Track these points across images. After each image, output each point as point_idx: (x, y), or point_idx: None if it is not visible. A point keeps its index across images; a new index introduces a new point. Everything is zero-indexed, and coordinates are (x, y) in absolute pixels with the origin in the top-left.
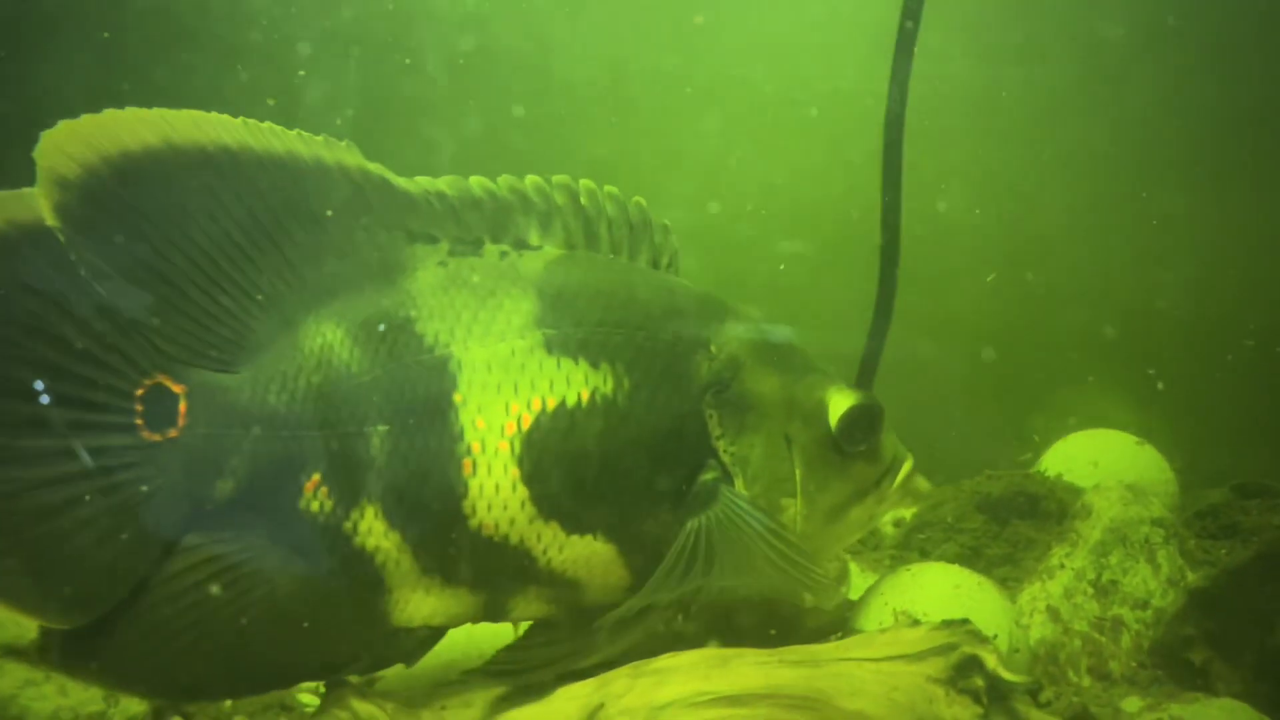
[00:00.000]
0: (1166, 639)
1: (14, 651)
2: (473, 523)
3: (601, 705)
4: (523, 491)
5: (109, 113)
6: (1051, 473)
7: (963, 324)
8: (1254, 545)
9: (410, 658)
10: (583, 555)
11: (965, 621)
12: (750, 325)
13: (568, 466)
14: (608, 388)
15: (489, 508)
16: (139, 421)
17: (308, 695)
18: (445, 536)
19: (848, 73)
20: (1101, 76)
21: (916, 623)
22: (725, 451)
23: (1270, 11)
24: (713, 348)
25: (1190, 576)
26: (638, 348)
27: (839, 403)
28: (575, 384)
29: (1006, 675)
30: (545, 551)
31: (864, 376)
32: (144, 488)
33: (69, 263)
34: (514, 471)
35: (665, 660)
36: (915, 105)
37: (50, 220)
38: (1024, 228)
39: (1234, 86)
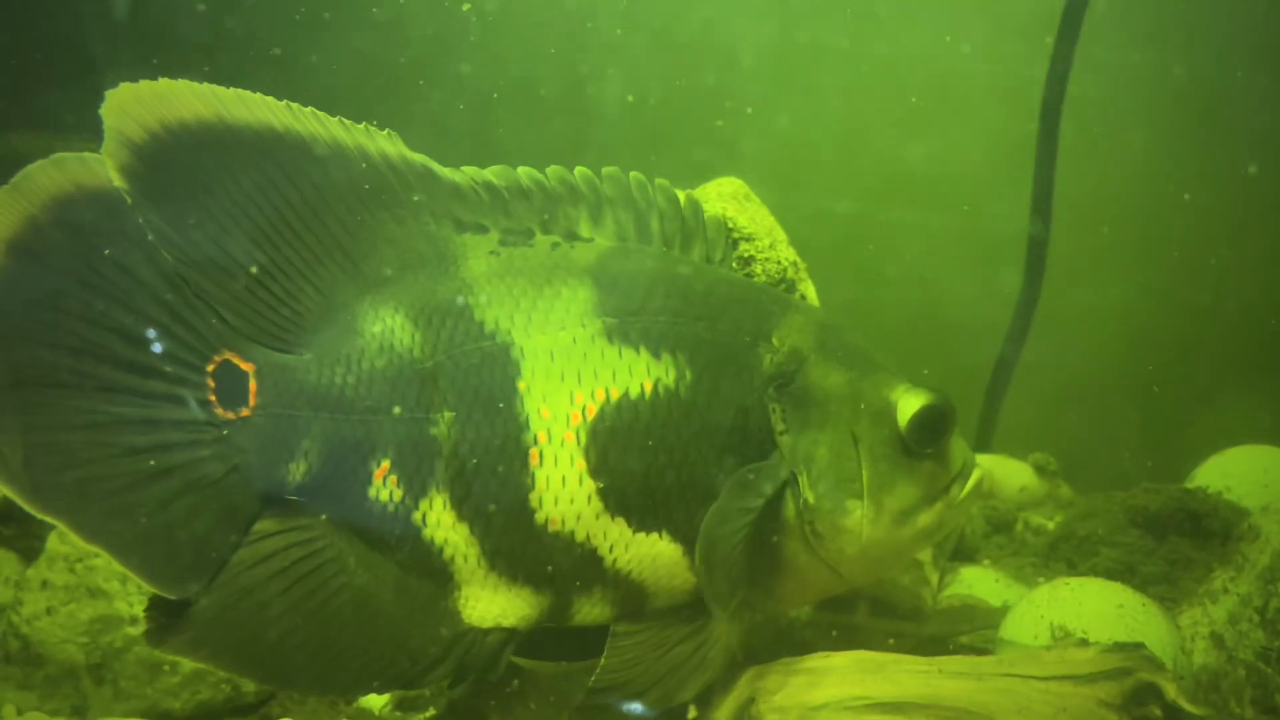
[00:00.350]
0: None
1: None
2: (539, 517)
3: (752, 700)
4: (590, 485)
5: (164, 81)
6: (1209, 489)
7: (1110, 327)
8: None
9: (492, 666)
10: (649, 555)
11: (1140, 646)
12: (813, 319)
13: (634, 460)
14: (670, 378)
15: (556, 501)
16: (213, 398)
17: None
18: (513, 530)
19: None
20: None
21: (1085, 642)
22: (790, 448)
23: None
24: (775, 340)
25: None
26: (698, 338)
27: (910, 402)
28: (638, 374)
29: (1187, 707)
30: (611, 550)
31: (1000, 374)
32: (223, 465)
33: (137, 227)
34: (580, 463)
35: (818, 660)
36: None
37: (117, 181)
38: (1188, 226)
39: None
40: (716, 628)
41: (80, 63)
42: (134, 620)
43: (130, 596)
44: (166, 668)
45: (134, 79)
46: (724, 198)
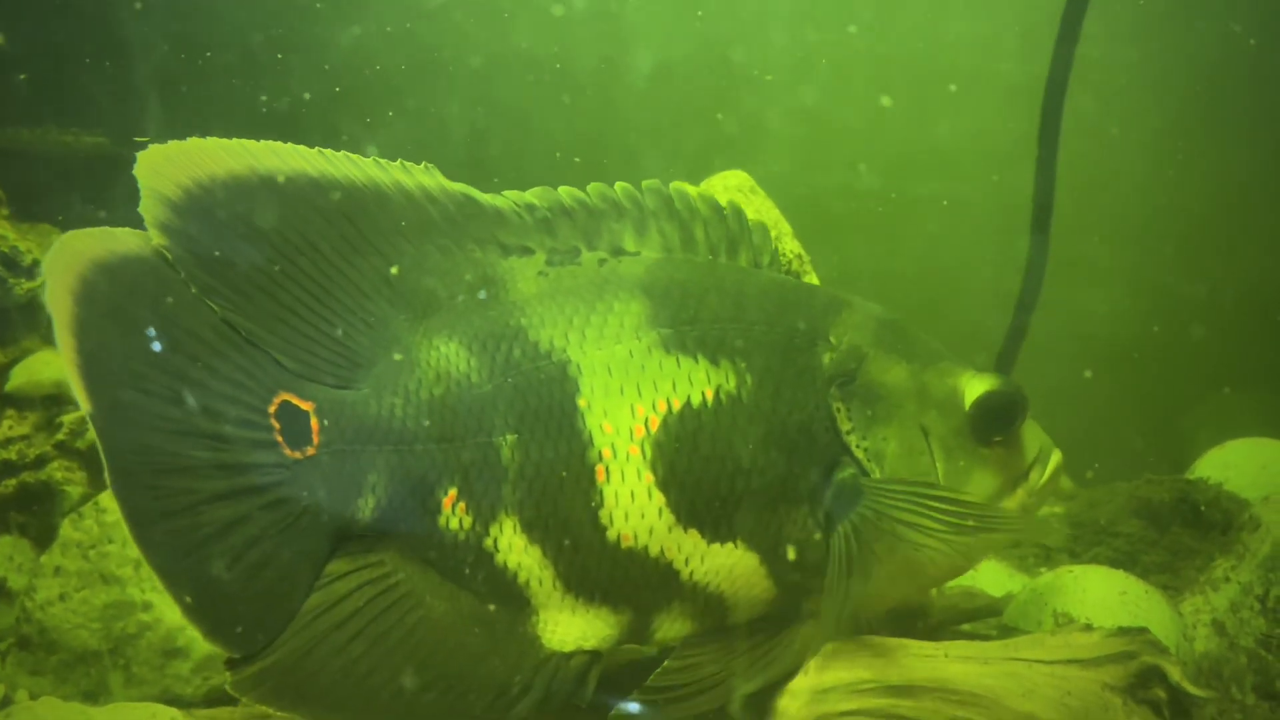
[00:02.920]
0: None
1: None
2: (611, 534)
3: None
4: (659, 498)
5: (194, 140)
6: (1210, 481)
7: (1110, 320)
8: None
9: (580, 691)
10: (725, 565)
11: (1144, 630)
12: (870, 314)
13: (702, 469)
14: (730, 385)
15: (626, 517)
16: (279, 439)
17: None
18: (586, 549)
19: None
20: None
21: (1089, 627)
22: (858, 446)
23: None
24: (832, 338)
25: None
26: (755, 342)
27: (975, 388)
28: (698, 382)
29: (1191, 689)
30: (687, 563)
31: (1003, 364)
32: (295, 507)
33: (180, 282)
34: (648, 477)
35: (827, 645)
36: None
37: (156, 238)
38: (1187, 221)
39: None
40: (801, 635)
41: (108, 56)
42: (146, 606)
43: (143, 583)
44: (179, 654)
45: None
46: (730, 190)
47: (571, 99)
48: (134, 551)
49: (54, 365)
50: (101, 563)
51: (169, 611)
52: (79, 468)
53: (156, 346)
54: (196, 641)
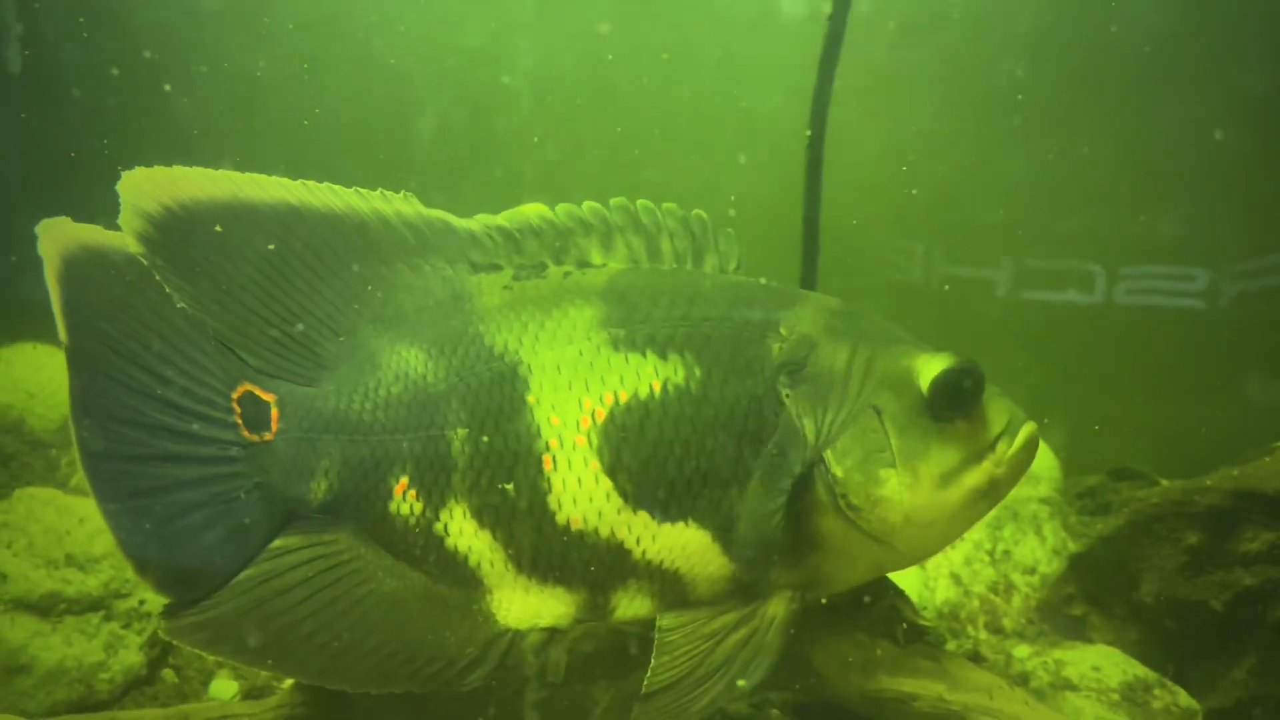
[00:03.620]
0: (1051, 598)
1: (24, 605)
2: (560, 517)
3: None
4: (606, 483)
5: (178, 167)
6: None
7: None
8: (1123, 516)
9: (549, 667)
10: (678, 544)
11: (891, 583)
12: (824, 306)
13: (649, 454)
14: (679, 377)
15: (574, 501)
16: (239, 421)
17: None
18: (536, 533)
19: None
20: None
21: None
22: (810, 428)
23: None
24: (783, 330)
25: (1071, 546)
26: (705, 337)
27: (930, 368)
28: (645, 376)
29: (920, 620)
30: (639, 542)
31: None
32: (247, 481)
33: (156, 283)
34: (594, 464)
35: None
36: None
37: (134, 246)
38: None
39: None
40: (769, 609)
41: None
42: None
43: None
44: (22, 671)
45: None
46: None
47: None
48: None
49: None
50: None
51: (10, 631)
52: None
53: (130, 315)
54: (38, 659)
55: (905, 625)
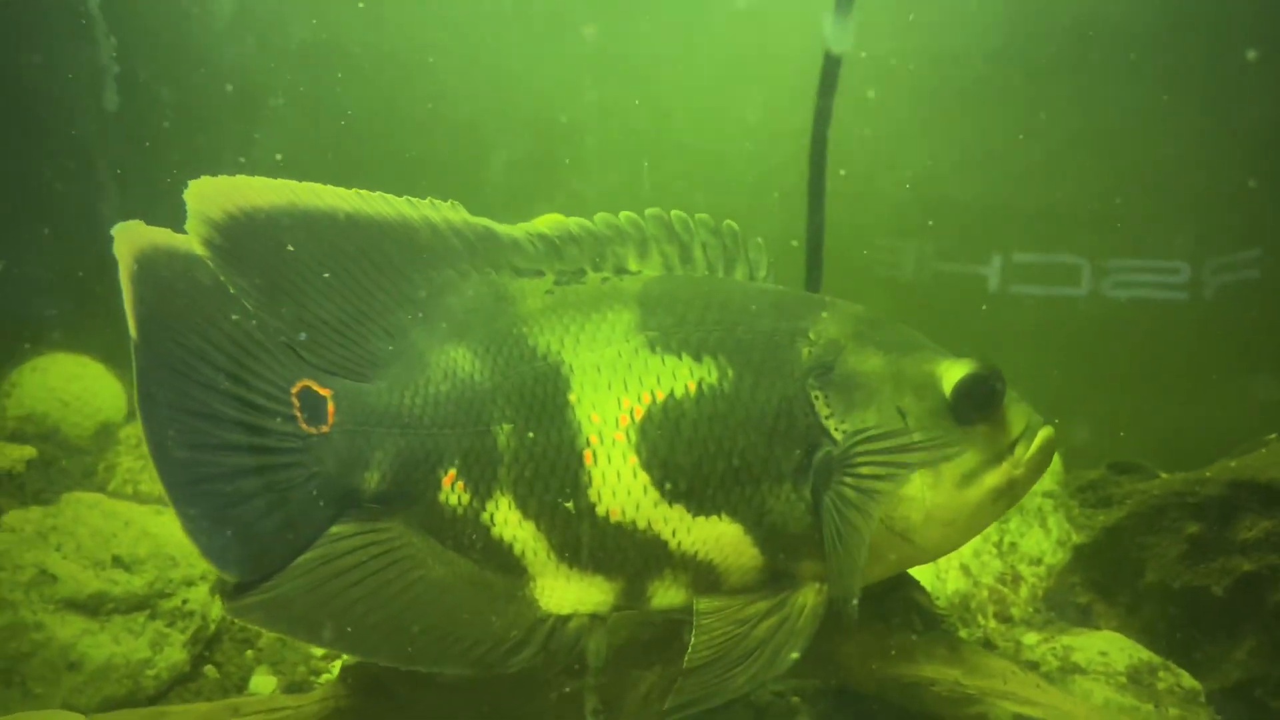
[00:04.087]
0: (1057, 587)
1: (74, 604)
2: (600, 509)
3: None
4: (644, 477)
5: (241, 176)
6: None
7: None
8: (1126, 508)
9: (591, 652)
10: (711, 536)
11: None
12: (850, 313)
13: (685, 451)
14: (713, 378)
15: (613, 494)
16: (298, 414)
17: None
18: (577, 523)
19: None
20: None
21: None
22: (837, 429)
23: None
24: (811, 334)
25: (1075, 537)
26: (737, 340)
27: (953, 372)
28: (681, 377)
29: (932, 608)
30: (674, 534)
31: None
32: (305, 471)
33: (221, 283)
34: (633, 459)
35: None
36: None
37: (200, 250)
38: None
39: None
40: (800, 598)
41: None
42: (38, 626)
43: (34, 605)
44: (73, 668)
45: None
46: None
47: None
48: (26, 576)
49: None
50: None
51: (61, 630)
52: None
53: (197, 313)
54: (88, 656)
55: (920, 615)
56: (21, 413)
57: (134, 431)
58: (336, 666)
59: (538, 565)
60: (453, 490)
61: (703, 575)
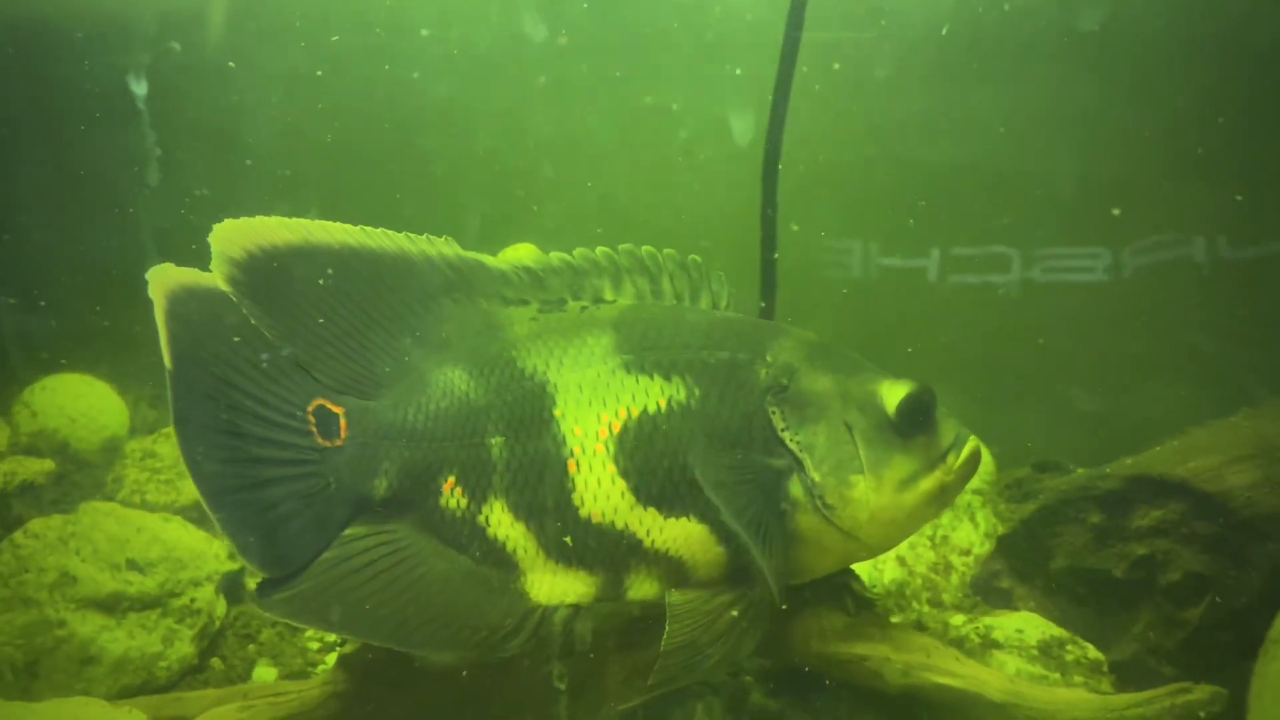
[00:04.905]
0: (982, 574)
1: (93, 603)
2: (583, 512)
3: None
4: (621, 484)
5: (259, 217)
6: None
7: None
8: (1039, 501)
9: (575, 638)
10: (681, 536)
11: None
12: (803, 339)
13: (657, 460)
14: (681, 396)
15: (594, 499)
16: (314, 430)
17: None
18: (562, 524)
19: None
20: None
21: None
22: (792, 441)
23: None
24: (769, 358)
25: (1000, 529)
26: (703, 362)
27: (895, 392)
28: (653, 395)
29: (866, 593)
30: (648, 534)
31: None
32: (322, 480)
33: (244, 315)
34: (611, 468)
35: None
36: None
37: (223, 286)
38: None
39: None
40: (759, 591)
41: None
42: (61, 624)
43: (58, 604)
44: (92, 661)
45: None
46: (521, 259)
47: None
48: (49, 578)
49: None
50: (20, 590)
51: (81, 626)
52: None
53: (223, 343)
54: (106, 650)
55: (854, 599)
56: (34, 429)
57: (139, 446)
58: (331, 659)
59: (528, 561)
60: (452, 495)
61: (673, 570)
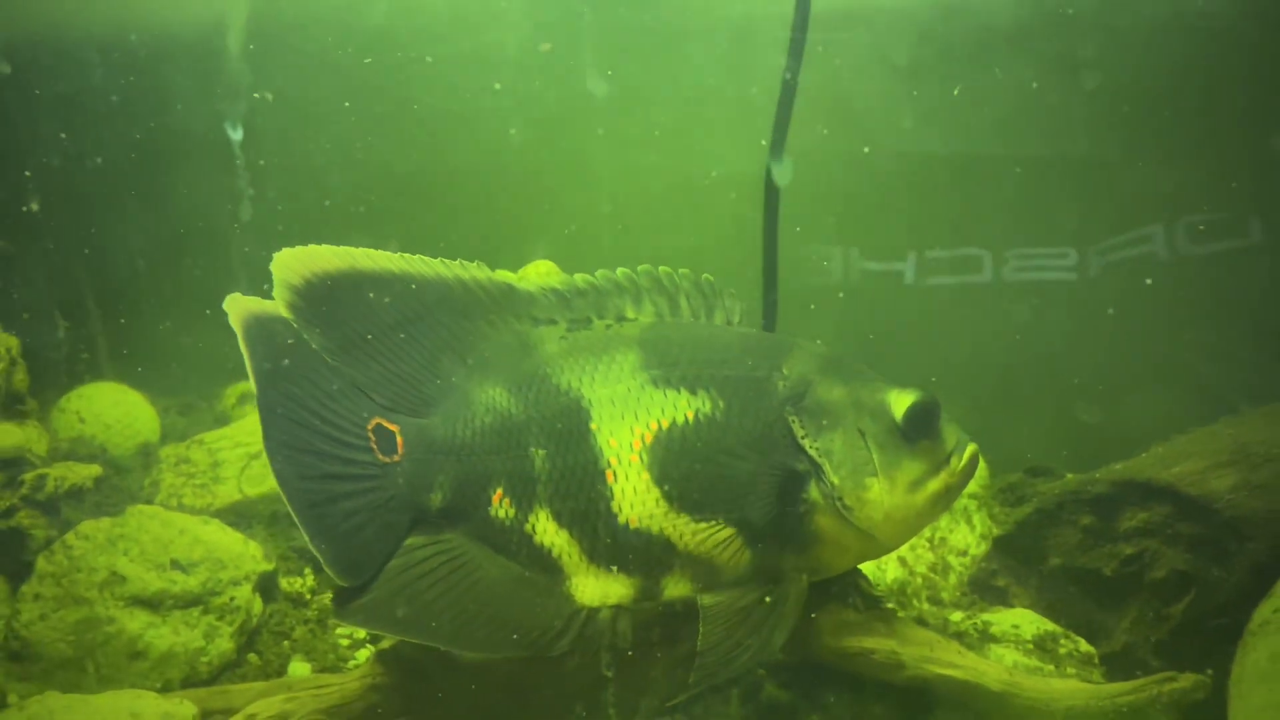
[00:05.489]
0: (979, 574)
1: (140, 601)
2: (621, 519)
3: None
4: (655, 491)
5: (312, 246)
6: None
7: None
8: (1033, 504)
9: (619, 637)
10: (710, 539)
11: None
12: (815, 352)
13: (687, 468)
14: (706, 408)
15: (631, 506)
16: (374, 447)
17: None
18: (603, 531)
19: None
20: None
21: None
22: (811, 448)
23: None
24: (785, 370)
25: (995, 531)
26: (725, 376)
27: (902, 400)
28: (681, 408)
29: (872, 591)
30: (681, 538)
31: None
32: (385, 494)
33: (304, 340)
34: (646, 476)
35: None
36: None
37: (284, 313)
38: None
39: None
40: (788, 589)
41: None
42: (110, 620)
43: (107, 602)
44: (139, 656)
45: None
46: (541, 276)
47: None
48: (99, 577)
49: (12, 434)
50: (72, 588)
51: (129, 623)
52: (40, 515)
53: (293, 366)
54: (153, 645)
55: (862, 597)
56: (72, 435)
57: (173, 451)
58: (361, 654)
59: (572, 566)
60: (500, 506)
61: (705, 571)
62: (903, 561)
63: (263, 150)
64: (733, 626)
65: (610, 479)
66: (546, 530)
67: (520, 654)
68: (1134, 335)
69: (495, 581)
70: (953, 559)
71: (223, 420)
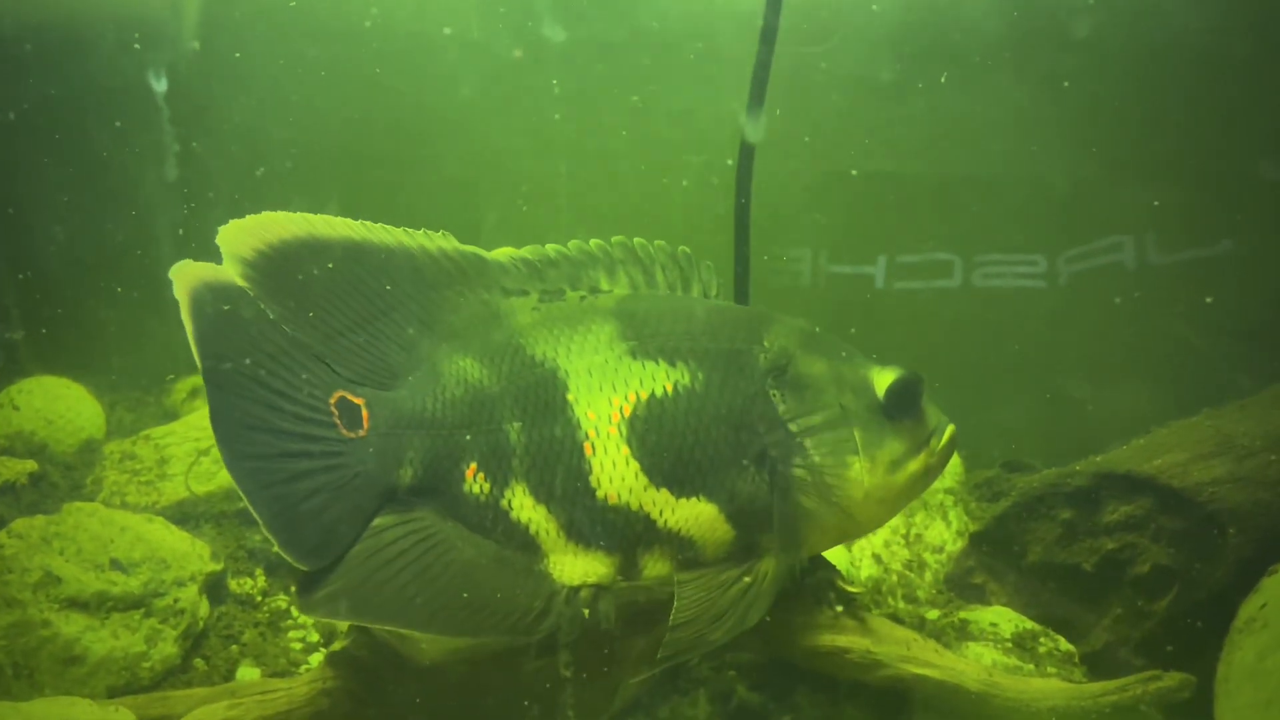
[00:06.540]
0: (955, 571)
1: (77, 603)
2: (600, 494)
3: None
4: (634, 465)
5: (265, 213)
6: None
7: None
8: (1011, 499)
9: (601, 617)
10: (691, 515)
11: (826, 561)
12: (795, 326)
13: (666, 442)
14: (685, 380)
15: (610, 480)
16: (337, 422)
17: None
18: (581, 506)
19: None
20: None
21: None
22: (792, 423)
23: None
24: (766, 343)
25: (971, 527)
26: (704, 349)
27: (885, 378)
28: (660, 379)
29: (847, 587)
30: (661, 514)
31: None
32: (350, 471)
33: (261, 310)
34: (624, 449)
35: None
36: None
37: (240, 283)
38: None
39: None
40: (762, 567)
41: None
42: (45, 624)
43: (40, 605)
44: (76, 661)
45: None
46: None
47: None
48: (33, 578)
49: None
50: (4, 590)
51: (65, 626)
52: None
53: (247, 338)
54: (91, 650)
55: (837, 594)
56: (10, 431)
57: (117, 448)
58: (314, 659)
59: (549, 543)
60: (475, 481)
61: (685, 549)
62: (878, 559)
63: (196, 107)
64: (708, 603)
65: (589, 451)
66: (523, 506)
67: (500, 637)
68: (1112, 325)
69: (471, 561)
70: (928, 556)
71: (172, 415)
